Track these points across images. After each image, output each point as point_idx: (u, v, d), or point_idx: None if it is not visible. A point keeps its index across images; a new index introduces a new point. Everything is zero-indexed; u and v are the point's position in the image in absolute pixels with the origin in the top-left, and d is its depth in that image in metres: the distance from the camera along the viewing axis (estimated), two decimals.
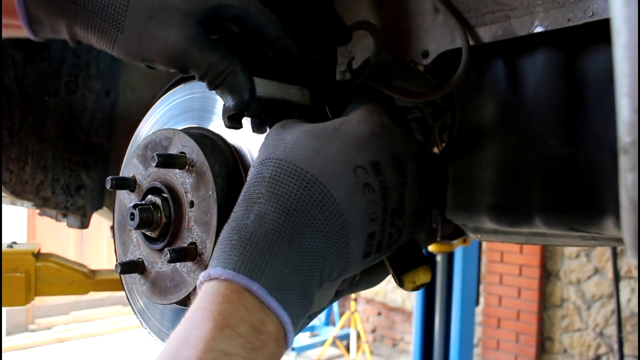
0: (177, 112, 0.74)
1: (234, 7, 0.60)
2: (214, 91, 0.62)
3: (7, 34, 0.64)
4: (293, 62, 0.66)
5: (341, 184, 0.54)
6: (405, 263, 0.68)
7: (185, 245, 0.64)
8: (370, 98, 0.67)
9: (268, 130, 0.64)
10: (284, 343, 0.48)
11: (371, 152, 0.58)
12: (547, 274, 5.02)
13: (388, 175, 0.58)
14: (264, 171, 0.54)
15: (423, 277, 0.68)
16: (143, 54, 0.58)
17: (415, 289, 0.69)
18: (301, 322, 0.52)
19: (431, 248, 3.23)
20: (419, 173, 0.66)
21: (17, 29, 0.61)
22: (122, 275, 0.77)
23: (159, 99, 0.78)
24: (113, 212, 0.77)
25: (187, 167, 0.65)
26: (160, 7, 0.56)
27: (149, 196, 0.68)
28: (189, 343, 0.44)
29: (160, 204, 0.66)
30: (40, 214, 1.53)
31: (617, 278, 4.03)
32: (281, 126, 0.61)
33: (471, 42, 0.76)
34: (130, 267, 0.69)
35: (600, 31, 0.64)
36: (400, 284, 0.68)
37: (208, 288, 0.48)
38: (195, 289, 0.55)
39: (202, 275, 0.49)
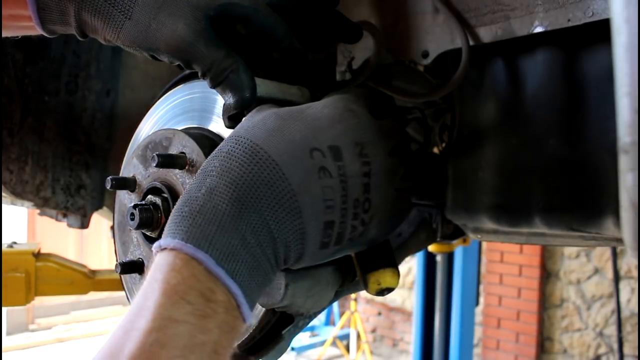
0: (177, 112, 0.74)
1: (245, 7, 0.60)
2: (214, 91, 0.62)
3: (13, 30, 0.64)
4: (297, 62, 0.66)
5: (296, 165, 0.53)
6: (372, 262, 0.65)
7: None
8: (347, 91, 0.67)
9: None
10: (238, 314, 0.48)
11: (331, 136, 0.57)
12: (547, 274, 5.02)
13: (348, 161, 0.57)
14: (222, 147, 0.54)
15: (390, 280, 0.65)
16: (149, 42, 0.58)
17: (379, 292, 0.65)
18: (256, 297, 0.51)
19: (431, 248, 3.23)
20: (401, 171, 0.64)
21: (24, 21, 0.61)
22: (122, 275, 0.77)
23: (159, 99, 0.78)
24: (113, 212, 0.77)
25: (187, 167, 0.65)
26: None
27: (149, 196, 0.68)
28: (142, 313, 0.44)
29: (160, 204, 0.66)
30: (40, 214, 1.53)
31: (617, 278, 4.03)
32: (256, 109, 0.60)
33: (471, 42, 0.76)
34: (130, 267, 0.69)
35: (600, 31, 0.64)
36: (365, 284, 0.65)
37: (159, 259, 0.48)
38: None
39: (154, 246, 0.49)
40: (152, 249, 0.50)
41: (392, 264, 0.65)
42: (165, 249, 0.48)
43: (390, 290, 0.66)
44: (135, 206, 0.66)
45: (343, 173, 0.56)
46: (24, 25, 0.62)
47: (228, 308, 0.47)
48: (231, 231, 0.49)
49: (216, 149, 0.55)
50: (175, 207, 0.52)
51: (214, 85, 0.60)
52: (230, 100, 0.60)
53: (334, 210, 0.55)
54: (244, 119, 0.60)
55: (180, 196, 0.53)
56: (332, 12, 0.71)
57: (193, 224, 0.48)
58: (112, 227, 0.81)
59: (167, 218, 0.66)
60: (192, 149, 0.64)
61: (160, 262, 0.48)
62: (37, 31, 0.63)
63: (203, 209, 0.49)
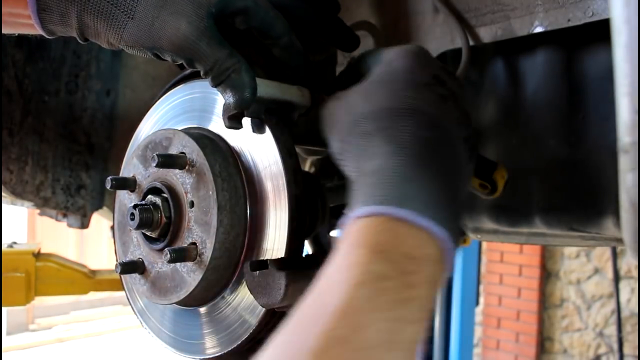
0: (177, 112, 0.74)
1: (245, 1, 0.61)
2: (214, 91, 0.62)
3: (12, 27, 0.64)
4: (297, 59, 0.66)
5: (427, 101, 0.56)
6: (486, 170, 0.70)
7: (186, 245, 0.64)
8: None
9: (268, 130, 0.64)
10: (445, 259, 0.48)
11: (427, 67, 0.60)
12: (547, 274, 5.02)
13: (450, 82, 0.61)
14: (364, 129, 0.55)
15: (505, 171, 0.71)
16: (152, 42, 0.58)
17: (505, 185, 0.71)
18: (459, 238, 0.52)
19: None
20: None
21: (24, 19, 0.61)
22: (122, 275, 0.77)
23: (159, 99, 0.78)
24: (113, 212, 0.77)
25: (187, 167, 0.65)
26: None
27: (149, 196, 0.68)
28: (342, 269, 0.45)
29: (160, 204, 0.66)
30: (40, 214, 1.53)
31: (617, 278, 4.03)
32: (334, 99, 0.61)
33: (471, 42, 0.76)
34: (131, 267, 0.69)
35: (600, 31, 0.64)
36: (494, 186, 0.70)
37: (353, 227, 0.48)
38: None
39: (346, 218, 0.50)
40: (343, 222, 0.50)
41: (495, 162, 0.71)
42: (362, 216, 0.48)
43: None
44: (135, 206, 0.66)
45: (452, 92, 0.60)
46: (23, 23, 0.62)
47: (436, 260, 0.47)
48: (426, 183, 0.50)
49: (353, 131, 0.56)
50: (357, 183, 0.53)
51: (215, 84, 0.60)
52: (231, 99, 0.60)
53: (463, 125, 0.59)
54: (326, 108, 0.62)
55: (356, 175, 0.54)
56: (333, 18, 0.71)
57: (388, 188, 0.49)
58: (112, 227, 0.81)
59: (167, 218, 0.66)
60: (192, 149, 0.64)
61: (356, 228, 0.48)
62: (37, 30, 0.62)
63: (394, 173, 0.50)
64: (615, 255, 4.13)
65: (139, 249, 0.70)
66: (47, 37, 0.63)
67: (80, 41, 0.62)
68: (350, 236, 0.47)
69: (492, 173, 0.69)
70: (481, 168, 0.71)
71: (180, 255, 0.62)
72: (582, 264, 4.82)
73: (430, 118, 0.55)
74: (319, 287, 0.45)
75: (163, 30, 0.57)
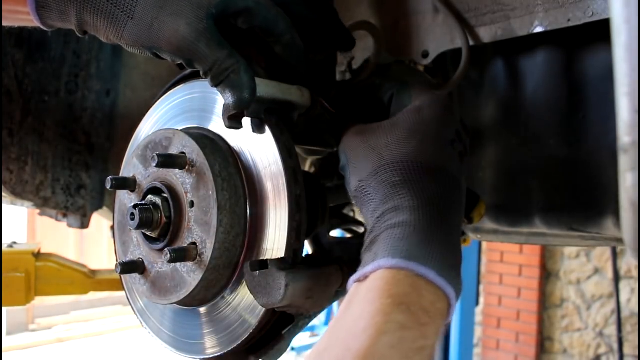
0: (177, 112, 0.74)
1: (245, 1, 0.60)
2: (214, 91, 0.62)
3: (11, 21, 0.64)
4: (298, 58, 0.66)
5: (451, 161, 0.61)
6: (469, 203, 0.72)
7: (186, 245, 0.64)
8: (409, 79, 0.72)
9: (268, 130, 0.64)
10: (449, 314, 0.53)
11: (452, 124, 0.64)
12: (547, 274, 5.02)
13: (464, 135, 0.66)
14: (390, 177, 0.59)
15: (484, 208, 0.74)
16: (151, 42, 0.59)
17: (481, 219, 0.75)
18: (461, 291, 0.56)
19: None
20: None
21: (23, 15, 0.61)
22: (122, 275, 0.77)
23: (159, 99, 0.78)
24: (113, 212, 0.77)
25: (187, 167, 0.65)
26: None
27: (149, 196, 0.68)
28: (365, 315, 0.48)
29: (160, 204, 0.66)
30: (40, 214, 1.53)
31: (617, 278, 4.03)
32: (359, 132, 0.64)
33: (471, 42, 0.76)
34: (131, 267, 0.69)
35: (600, 31, 0.64)
36: (471, 221, 0.74)
37: (378, 275, 0.52)
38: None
39: (370, 267, 0.53)
40: (366, 269, 0.53)
41: (478, 195, 0.74)
42: (385, 268, 0.52)
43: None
44: (135, 206, 0.66)
45: (467, 146, 0.66)
46: (22, 18, 0.63)
47: (443, 314, 0.52)
48: (444, 242, 0.55)
49: (382, 181, 0.59)
50: (381, 235, 0.56)
51: (214, 85, 0.60)
52: (230, 100, 0.60)
53: (468, 179, 0.65)
54: (344, 146, 0.65)
55: (372, 223, 0.58)
56: (332, 17, 0.71)
57: (411, 243, 0.53)
58: (112, 227, 0.81)
59: (167, 218, 0.66)
60: (192, 149, 0.64)
61: (380, 277, 0.52)
62: (36, 24, 0.63)
63: (416, 228, 0.54)
64: (615, 255, 4.13)
65: (139, 249, 0.70)
66: (47, 30, 0.64)
67: (79, 35, 0.62)
68: (376, 284, 0.51)
69: (473, 209, 0.73)
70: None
71: (180, 255, 0.62)
72: (582, 264, 4.82)
73: (453, 178, 0.60)
74: (344, 329, 0.49)
75: (162, 31, 0.57)
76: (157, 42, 0.58)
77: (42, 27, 0.62)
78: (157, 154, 0.63)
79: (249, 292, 0.62)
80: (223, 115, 0.63)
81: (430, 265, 0.52)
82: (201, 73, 0.60)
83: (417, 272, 0.51)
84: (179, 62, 0.60)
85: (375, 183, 0.59)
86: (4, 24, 0.64)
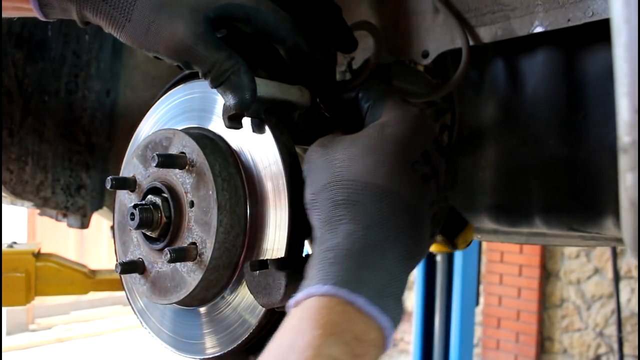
0: (177, 112, 0.74)
1: (245, 7, 0.60)
2: (214, 91, 0.62)
3: (14, 14, 0.64)
4: (303, 61, 0.66)
5: (406, 185, 0.57)
6: (454, 227, 0.71)
7: (186, 245, 0.64)
8: (386, 90, 0.69)
9: (268, 130, 0.64)
10: (384, 345, 0.51)
11: (419, 144, 0.61)
12: (547, 274, 5.02)
13: (435, 158, 0.62)
14: (335, 195, 0.56)
15: (471, 235, 0.72)
16: (149, 44, 0.58)
17: (467, 246, 0.73)
18: (400, 321, 0.54)
19: (431, 248, 3.22)
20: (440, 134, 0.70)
21: (25, 12, 0.62)
22: (122, 275, 0.77)
23: (159, 99, 0.78)
24: (113, 212, 0.77)
25: (187, 167, 0.65)
26: (169, 0, 0.57)
27: (149, 196, 0.68)
28: (295, 349, 0.46)
29: (160, 204, 0.66)
30: (40, 214, 1.53)
31: (617, 278, 4.03)
32: (320, 146, 0.62)
33: (471, 42, 0.76)
34: (131, 267, 0.69)
35: (600, 31, 0.64)
36: (454, 246, 0.72)
37: (310, 303, 0.50)
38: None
39: (302, 293, 0.51)
40: (299, 296, 0.51)
41: (466, 221, 0.72)
42: (316, 295, 0.50)
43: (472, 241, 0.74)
44: (135, 206, 0.66)
45: (436, 170, 0.61)
46: (25, 14, 0.63)
47: (378, 345, 0.50)
48: (380, 269, 0.52)
49: (327, 198, 0.57)
50: (314, 255, 0.54)
51: (214, 86, 0.60)
52: (231, 101, 0.60)
53: (435, 204, 0.61)
54: (308, 157, 0.62)
55: (312, 247, 0.56)
56: (336, 18, 0.71)
57: (343, 269, 0.51)
58: (112, 227, 0.81)
59: (167, 218, 0.66)
60: (192, 149, 0.64)
61: (312, 305, 0.49)
62: (38, 16, 0.63)
63: (349, 253, 0.52)
64: (615, 255, 4.13)
65: (139, 249, 0.70)
66: (50, 20, 0.64)
67: (81, 26, 0.63)
68: (306, 313, 0.49)
69: (457, 235, 0.71)
70: (450, 225, 0.72)
71: (180, 255, 0.62)
72: (582, 264, 4.82)
73: (405, 204, 0.56)
74: None
75: (159, 34, 0.57)
76: (155, 45, 0.58)
77: (45, 19, 0.63)
78: (157, 154, 0.63)
79: (249, 292, 0.62)
80: (223, 115, 0.63)
81: (362, 292, 0.49)
82: (200, 75, 0.60)
83: (347, 299, 0.49)
84: (177, 64, 0.60)
85: (322, 199, 0.57)
86: (4, 15, 0.64)
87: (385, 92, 0.68)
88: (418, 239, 0.57)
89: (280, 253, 0.62)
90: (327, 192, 0.57)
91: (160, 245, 0.66)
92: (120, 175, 0.74)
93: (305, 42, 0.66)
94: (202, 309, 0.69)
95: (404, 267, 0.54)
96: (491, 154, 0.83)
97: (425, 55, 0.81)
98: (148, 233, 0.68)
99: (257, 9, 0.61)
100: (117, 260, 0.73)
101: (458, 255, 3.76)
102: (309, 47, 0.66)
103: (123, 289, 0.80)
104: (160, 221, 0.66)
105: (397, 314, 0.52)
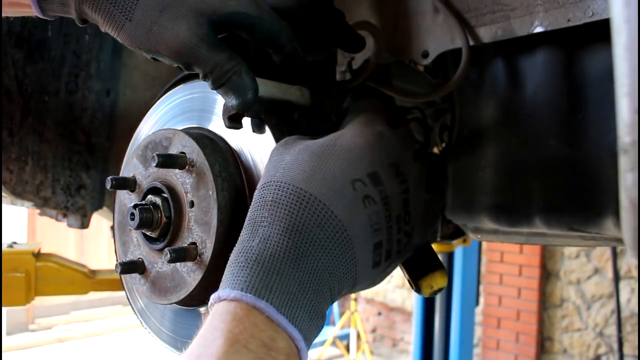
0: (177, 112, 0.74)
1: (251, 17, 0.60)
2: (214, 91, 0.62)
3: (12, 13, 0.64)
4: (297, 66, 0.66)
5: (340, 199, 0.55)
6: (421, 268, 0.67)
7: (186, 245, 0.64)
8: (366, 107, 0.68)
9: (268, 130, 0.64)
10: (299, 357, 0.49)
11: (368, 163, 0.59)
12: (547, 274, 5.02)
13: (388, 184, 0.59)
14: (266, 195, 0.55)
15: (440, 282, 0.67)
16: (150, 45, 0.58)
17: (433, 293, 0.67)
18: (314, 337, 0.52)
19: (435, 247, 3.22)
20: (425, 172, 0.66)
21: (23, 7, 0.61)
22: (122, 275, 0.77)
23: (159, 99, 0.78)
24: (113, 212, 0.77)
25: (187, 167, 0.65)
26: (173, 1, 0.57)
27: (149, 196, 0.68)
28: None
29: (160, 204, 0.66)
30: (40, 214, 1.53)
31: (617, 278, 4.03)
32: (283, 145, 0.61)
33: (471, 42, 0.76)
34: (131, 267, 0.69)
35: (600, 31, 0.64)
36: (417, 289, 0.67)
37: (218, 308, 0.49)
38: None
39: (212, 297, 0.51)
40: (211, 299, 0.50)
41: (439, 265, 0.67)
42: (224, 299, 0.49)
43: (442, 289, 0.68)
44: (135, 206, 0.66)
45: (385, 196, 0.58)
46: (23, 11, 0.63)
47: (289, 354, 0.48)
48: (290, 278, 0.50)
49: (258, 197, 0.56)
50: (230, 258, 0.53)
51: (215, 87, 0.60)
52: (233, 102, 0.60)
53: (381, 232, 0.58)
54: (270, 153, 0.61)
55: (234, 248, 0.54)
56: (339, 21, 0.71)
57: (251, 274, 0.50)
58: (112, 227, 0.81)
59: (167, 218, 0.66)
60: (192, 149, 0.64)
61: (219, 310, 0.48)
62: (36, 15, 0.62)
63: (260, 258, 0.51)
64: (615, 255, 4.13)
65: (139, 249, 0.70)
66: (48, 19, 0.64)
67: (79, 24, 0.62)
68: (212, 320, 0.48)
69: (422, 277, 0.67)
70: (417, 263, 0.67)
71: (180, 255, 0.62)
72: (582, 264, 4.82)
73: (332, 219, 0.54)
74: None
75: (161, 35, 0.57)
76: (156, 46, 0.58)
77: (43, 17, 0.62)
78: (157, 154, 0.63)
79: None
80: (223, 115, 0.63)
81: (269, 299, 0.48)
82: (200, 76, 0.59)
83: (252, 304, 0.48)
84: (177, 65, 0.60)
85: (256, 198, 0.56)
86: (3, 15, 0.64)
87: (363, 108, 0.67)
88: (346, 260, 0.54)
89: None
90: (261, 190, 0.56)
91: (160, 245, 0.66)
92: (120, 175, 0.74)
93: (300, 48, 0.66)
94: (202, 309, 0.69)
95: (319, 282, 0.52)
96: (491, 154, 0.83)
97: (425, 55, 0.81)
98: (148, 233, 0.68)
99: (261, 17, 0.61)
100: (117, 260, 0.73)
101: (458, 255, 3.76)
102: (305, 54, 0.66)
103: (123, 289, 0.80)
104: (160, 221, 0.66)
105: (309, 327, 0.50)
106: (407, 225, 0.61)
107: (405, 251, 0.63)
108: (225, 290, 0.50)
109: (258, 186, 0.58)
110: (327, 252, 0.53)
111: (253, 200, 0.57)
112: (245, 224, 0.55)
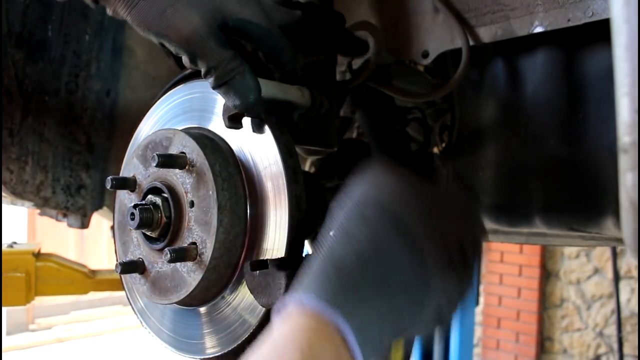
0: (177, 112, 0.74)
1: (261, 28, 0.60)
2: (214, 91, 0.62)
3: None
4: (292, 81, 0.67)
5: (431, 245, 0.53)
6: None
7: (186, 245, 0.64)
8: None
9: (268, 130, 0.64)
10: None
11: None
12: (547, 274, 5.02)
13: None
14: (369, 214, 0.53)
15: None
16: (160, 28, 0.57)
17: None
18: None
19: None
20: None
21: None
22: (122, 275, 0.77)
23: (159, 98, 0.78)
24: (113, 212, 0.77)
25: (187, 167, 0.65)
26: None
27: (149, 196, 0.68)
28: None
29: (160, 204, 0.66)
30: (41, 214, 1.53)
31: (617, 278, 4.03)
32: (385, 169, 0.58)
33: (471, 42, 0.76)
34: (131, 267, 0.69)
35: (600, 31, 0.64)
36: None
37: (298, 317, 0.47)
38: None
39: (294, 299, 0.49)
40: (291, 300, 0.49)
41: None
42: (305, 309, 0.47)
43: None
44: (135, 206, 0.66)
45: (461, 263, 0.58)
46: None
47: None
48: (371, 306, 0.49)
49: (354, 211, 0.53)
50: (318, 261, 0.51)
51: (217, 85, 0.59)
52: (236, 102, 0.60)
53: (445, 292, 0.57)
54: (369, 171, 0.58)
55: (319, 248, 0.52)
56: (340, 32, 0.72)
57: (340, 291, 0.48)
58: (112, 227, 0.81)
59: (167, 218, 0.66)
60: (192, 149, 0.64)
61: (299, 320, 0.47)
62: None
63: (351, 276, 0.49)
64: (615, 255, 4.13)
65: (139, 249, 0.70)
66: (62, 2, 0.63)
67: (90, 6, 0.61)
68: (290, 325, 0.47)
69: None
70: None
71: (180, 255, 0.62)
72: (582, 264, 4.82)
73: (422, 258, 0.53)
74: None
75: (174, 19, 0.56)
76: (166, 29, 0.57)
77: None
78: (157, 154, 0.63)
79: (249, 292, 0.62)
80: (223, 115, 0.63)
81: (351, 324, 0.46)
82: (202, 72, 0.59)
83: (336, 325, 0.46)
84: (180, 57, 0.60)
85: (352, 205, 0.54)
86: None
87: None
88: (414, 311, 0.53)
89: (280, 253, 0.62)
90: (362, 207, 0.54)
91: (161, 245, 0.66)
92: (121, 175, 0.74)
93: (300, 67, 0.66)
94: (202, 309, 0.69)
95: (390, 317, 0.51)
96: (491, 153, 0.83)
97: (425, 55, 0.81)
98: (148, 233, 0.68)
99: (270, 31, 0.61)
100: (117, 260, 0.73)
101: None
102: (304, 51, 0.67)
103: (123, 289, 0.80)
104: (161, 221, 0.66)
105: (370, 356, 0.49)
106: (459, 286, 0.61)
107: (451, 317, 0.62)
108: (310, 299, 0.48)
109: (352, 198, 0.55)
110: (404, 288, 0.52)
111: (343, 209, 0.54)
112: (335, 230, 0.53)
